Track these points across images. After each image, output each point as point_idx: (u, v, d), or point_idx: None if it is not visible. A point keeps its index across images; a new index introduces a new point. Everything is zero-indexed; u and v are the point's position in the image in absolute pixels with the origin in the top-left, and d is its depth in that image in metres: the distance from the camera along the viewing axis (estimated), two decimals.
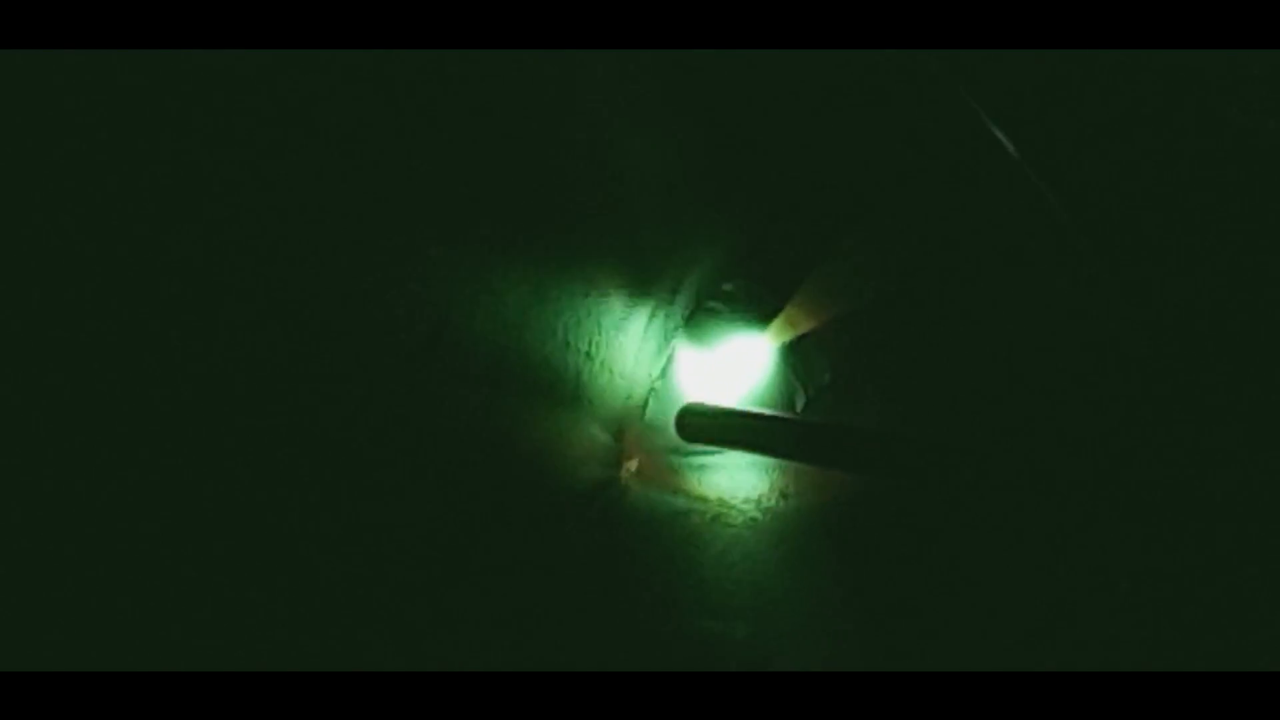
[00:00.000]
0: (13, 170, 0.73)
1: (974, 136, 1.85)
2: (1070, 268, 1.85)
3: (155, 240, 0.86)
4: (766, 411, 2.11)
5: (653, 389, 2.30)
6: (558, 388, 1.96)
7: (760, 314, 2.49)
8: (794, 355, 2.48)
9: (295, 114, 0.97)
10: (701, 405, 2.13)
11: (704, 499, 2.08)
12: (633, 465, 2.12)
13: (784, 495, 2.07)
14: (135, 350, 0.87)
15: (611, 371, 2.14)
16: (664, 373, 2.32)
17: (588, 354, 2.05)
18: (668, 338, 2.36)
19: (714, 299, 2.49)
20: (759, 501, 2.06)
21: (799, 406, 2.41)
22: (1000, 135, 1.83)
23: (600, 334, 2.09)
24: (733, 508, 2.04)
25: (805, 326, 2.51)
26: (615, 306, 2.13)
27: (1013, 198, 1.88)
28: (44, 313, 0.78)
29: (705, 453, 2.20)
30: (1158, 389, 1.68)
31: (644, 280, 2.22)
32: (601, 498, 1.99)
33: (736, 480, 2.13)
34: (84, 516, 0.87)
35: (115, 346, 0.84)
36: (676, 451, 2.20)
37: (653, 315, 2.27)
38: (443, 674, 1.21)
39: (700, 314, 2.45)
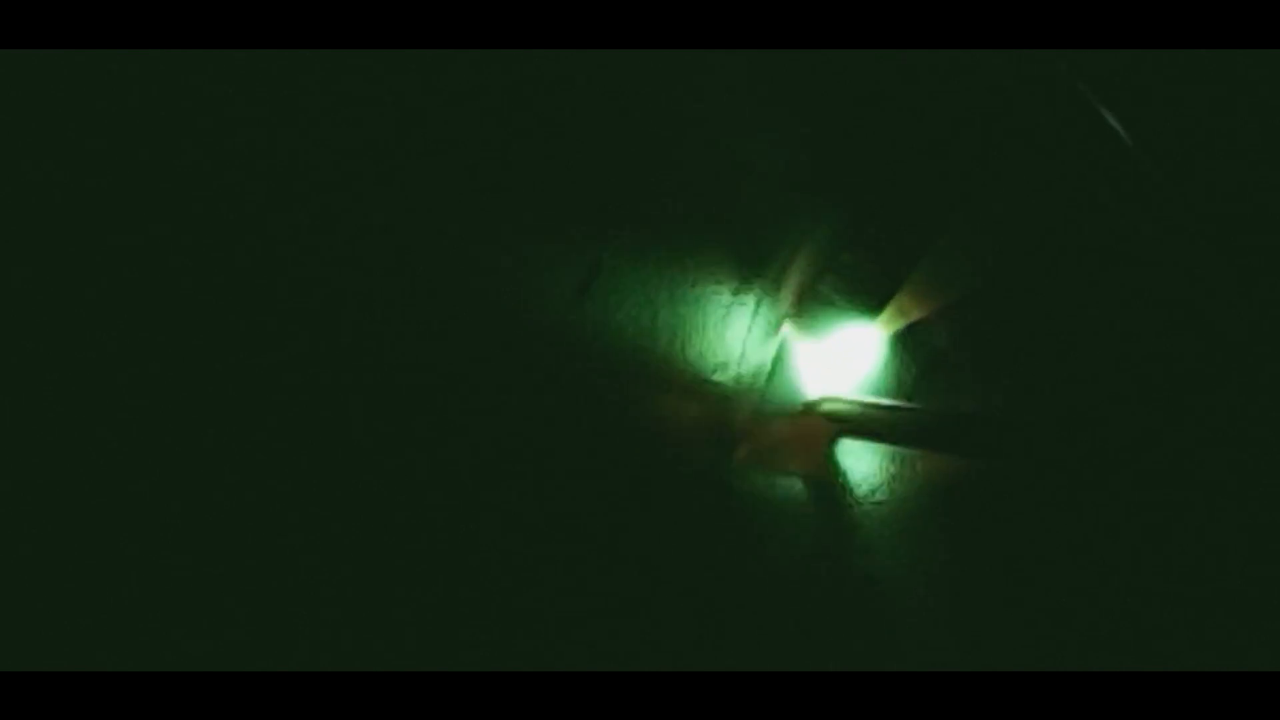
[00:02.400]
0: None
1: (1084, 122, 1.84)
2: (1179, 252, 1.82)
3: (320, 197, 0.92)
4: (890, 402, 2.12)
5: (767, 374, 2.33)
6: (671, 373, 2.01)
7: (870, 301, 2.49)
8: (905, 342, 2.47)
9: (474, 113, 1.06)
10: (827, 397, 2.15)
11: (815, 478, 2.10)
12: (745, 448, 2.16)
13: (898, 475, 2.07)
14: (284, 308, 0.92)
15: (724, 357, 2.18)
16: (777, 358, 2.35)
17: (698, 339, 2.09)
18: (778, 324, 2.38)
19: (822, 287, 2.51)
20: (873, 481, 2.06)
21: (909, 391, 2.40)
22: (1112, 120, 1.81)
23: (712, 321, 2.13)
24: (846, 487, 2.06)
25: (916, 314, 2.50)
26: (725, 293, 2.16)
27: (1121, 180, 1.86)
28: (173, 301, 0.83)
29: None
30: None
31: (752, 267, 2.24)
32: (716, 478, 2.03)
33: (849, 461, 2.14)
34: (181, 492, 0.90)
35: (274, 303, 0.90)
36: (789, 433, 2.23)
37: (760, 302, 2.30)
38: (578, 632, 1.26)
39: (810, 302, 2.47)
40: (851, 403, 2.06)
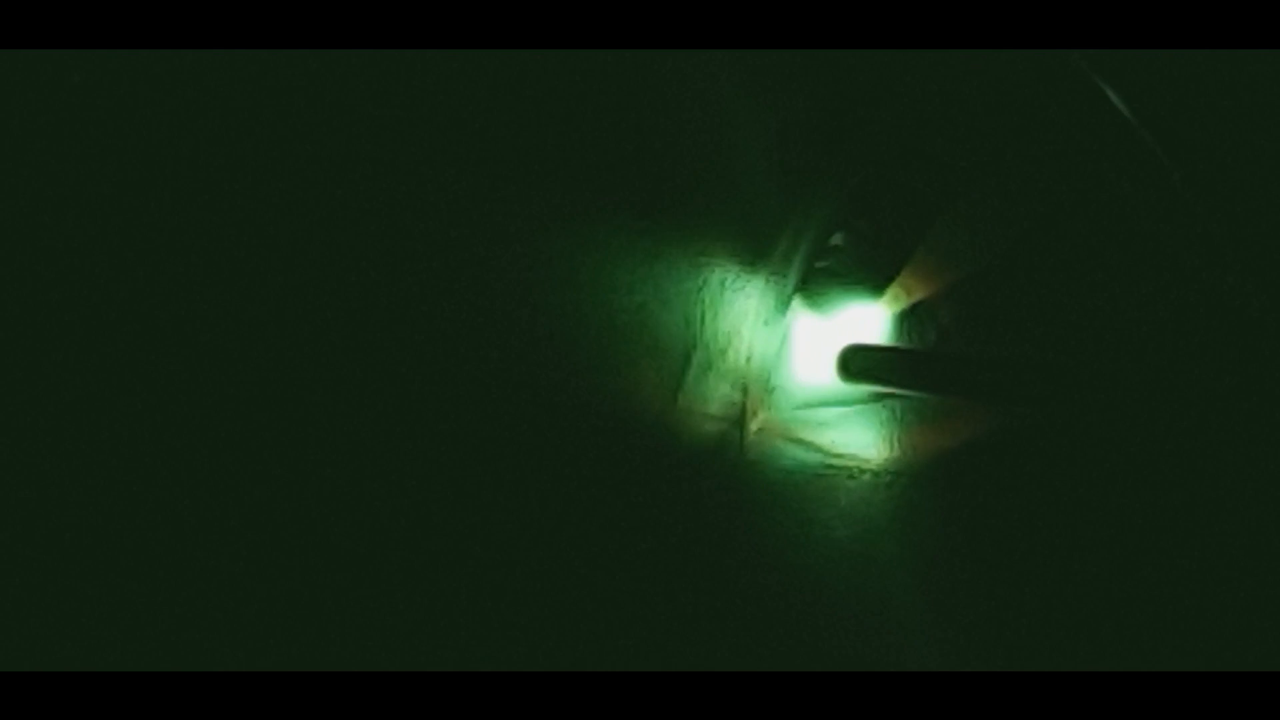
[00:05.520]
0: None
1: (1084, 93, 1.85)
2: (1184, 213, 1.83)
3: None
4: (925, 350, 2.14)
5: (775, 350, 2.36)
6: (678, 351, 2.02)
7: (874, 280, 2.52)
8: (909, 318, 2.50)
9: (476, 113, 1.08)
10: (864, 345, 2.18)
11: (826, 453, 2.13)
12: (756, 424, 2.19)
13: (904, 448, 2.10)
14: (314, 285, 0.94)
15: (731, 333, 2.20)
16: (785, 335, 2.38)
17: (707, 317, 2.11)
18: (787, 301, 2.41)
19: (826, 262, 2.53)
20: (880, 455, 2.10)
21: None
22: (1111, 94, 1.83)
23: (719, 298, 2.15)
24: (854, 461, 2.09)
25: (920, 293, 2.53)
26: (732, 271, 2.18)
27: (1122, 152, 1.87)
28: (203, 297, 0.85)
29: (826, 408, 2.24)
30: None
31: (759, 245, 2.26)
32: (725, 455, 2.06)
33: (857, 436, 2.17)
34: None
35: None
36: (798, 409, 2.26)
37: (769, 280, 2.32)
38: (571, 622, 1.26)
39: (815, 280, 2.50)
40: (886, 350, 2.09)
